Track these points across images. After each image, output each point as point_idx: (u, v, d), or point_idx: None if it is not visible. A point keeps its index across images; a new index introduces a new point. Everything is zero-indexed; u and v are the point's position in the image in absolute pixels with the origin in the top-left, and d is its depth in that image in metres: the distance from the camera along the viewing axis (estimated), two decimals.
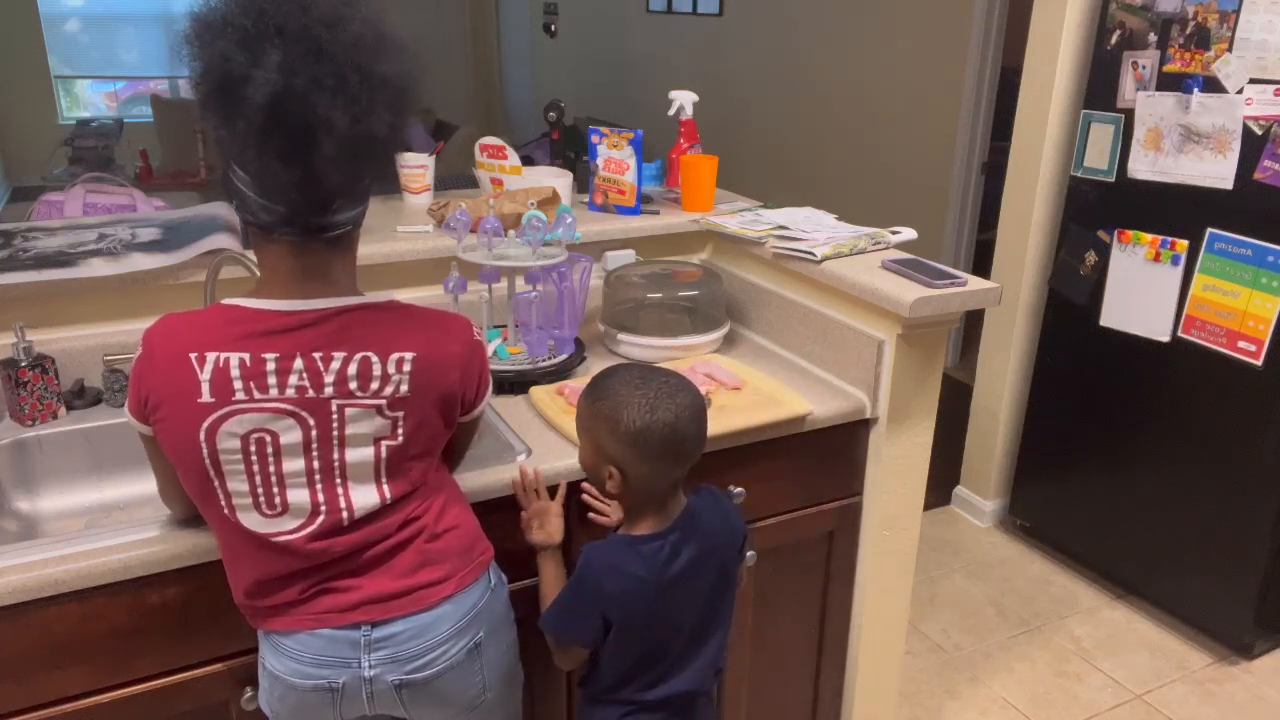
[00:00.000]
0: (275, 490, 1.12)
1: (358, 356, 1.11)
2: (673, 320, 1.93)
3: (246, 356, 1.08)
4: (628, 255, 2.08)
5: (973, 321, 3.27)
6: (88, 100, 7.69)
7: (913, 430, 1.80)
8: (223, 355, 1.07)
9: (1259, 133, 2.29)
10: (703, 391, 1.70)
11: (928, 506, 2.02)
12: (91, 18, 7.43)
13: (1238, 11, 2.28)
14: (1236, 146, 2.33)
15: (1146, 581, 2.75)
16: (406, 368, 1.12)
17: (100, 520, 1.54)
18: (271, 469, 1.11)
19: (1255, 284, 2.33)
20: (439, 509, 1.22)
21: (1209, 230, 2.42)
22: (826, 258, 1.80)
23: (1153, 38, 2.48)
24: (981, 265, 3.76)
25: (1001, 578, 2.90)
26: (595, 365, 1.86)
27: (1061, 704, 2.40)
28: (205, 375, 1.07)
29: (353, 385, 1.11)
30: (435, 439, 1.19)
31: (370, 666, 1.18)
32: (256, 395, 1.08)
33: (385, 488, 1.16)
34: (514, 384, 1.72)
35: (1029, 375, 3.00)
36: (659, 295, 1.95)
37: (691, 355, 1.90)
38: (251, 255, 1.62)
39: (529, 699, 1.46)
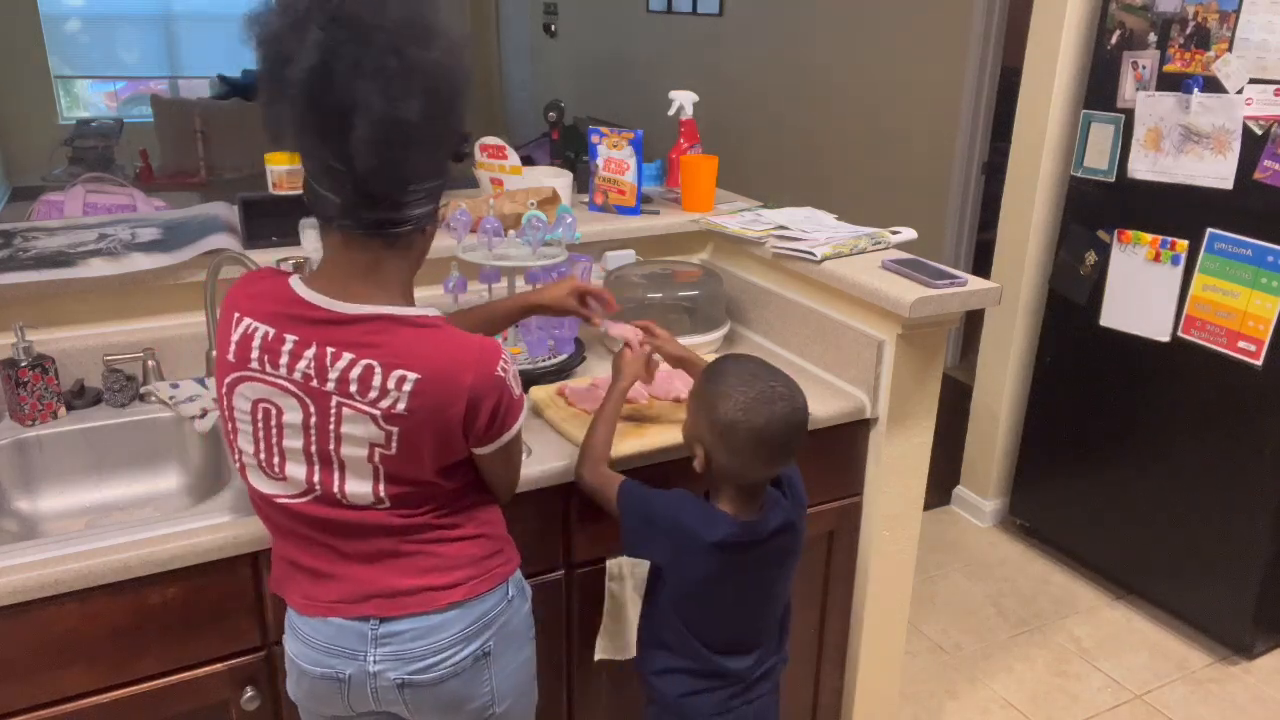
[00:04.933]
0: (276, 459, 1.16)
1: (362, 362, 1.11)
2: (673, 320, 1.93)
3: (271, 331, 1.13)
4: (628, 255, 2.08)
5: (973, 321, 3.27)
6: (88, 100, 7.69)
7: (913, 430, 1.80)
8: (254, 324, 1.14)
9: (1259, 133, 2.29)
10: None
11: (928, 506, 2.02)
12: (91, 18, 7.42)
13: (1238, 11, 2.28)
14: (1236, 146, 2.33)
15: (1146, 581, 2.75)
16: (406, 387, 1.10)
17: (100, 520, 1.54)
18: (275, 439, 1.15)
19: (1255, 284, 2.33)
20: (458, 517, 1.21)
21: (1209, 230, 2.42)
22: (826, 258, 1.80)
23: (1153, 38, 2.48)
24: (981, 265, 3.76)
25: (1001, 578, 2.90)
26: (595, 365, 1.86)
27: (1061, 704, 2.40)
28: (235, 336, 1.14)
29: (352, 388, 1.11)
30: (434, 459, 1.16)
31: (375, 661, 1.18)
32: (267, 369, 1.13)
33: (381, 488, 1.16)
34: None
35: (1029, 375, 3.00)
36: (659, 295, 1.95)
37: None
38: (252, 255, 1.62)
39: None
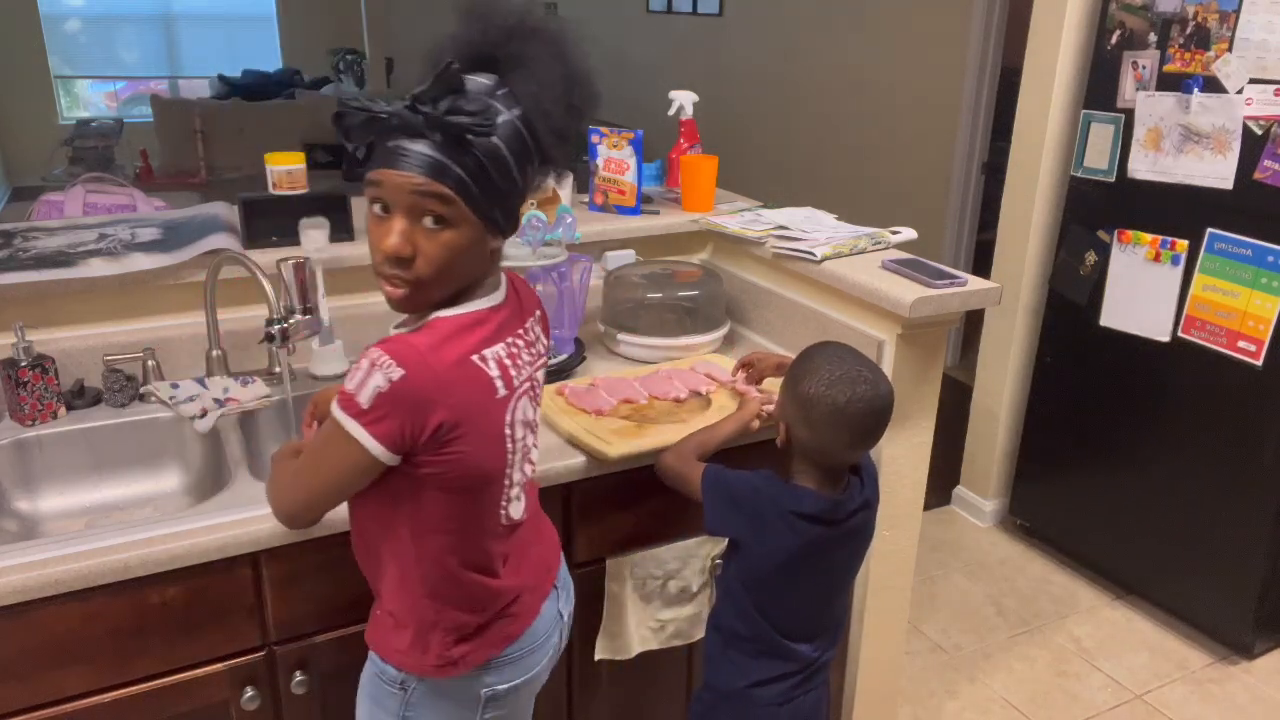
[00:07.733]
0: (523, 463, 1.20)
1: (529, 322, 1.21)
2: (673, 320, 1.93)
3: (502, 347, 1.14)
4: (628, 255, 2.08)
5: (973, 321, 3.27)
6: (88, 100, 7.70)
7: (913, 430, 1.80)
8: (491, 351, 1.12)
9: (1259, 133, 2.29)
10: (703, 391, 1.71)
11: (928, 506, 2.02)
12: (91, 18, 7.43)
13: (1238, 11, 2.28)
14: (1236, 146, 2.33)
15: (1146, 581, 2.75)
16: (537, 325, 1.24)
17: (100, 520, 1.54)
18: (525, 447, 1.20)
19: (1255, 284, 2.33)
20: None
21: (1209, 230, 2.42)
22: (826, 258, 1.80)
23: (1153, 38, 2.48)
24: (981, 265, 3.76)
25: (1001, 578, 2.90)
26: (595, 365, 1.86)
27: (1061, 704, 2.40)
28: (494, 371, 1.11)
29: (538, 347, 1.22)
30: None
31: (563, 610, 1.31)
32: (517, 378, 1.16)
33: (537, 442, 1.27)
34: None
35: (1029, 375, 3.00)
36: (659, 295, 1.95)
37: (691, 355, 1.90)
38: (251, 255, 1.62)
39: None
